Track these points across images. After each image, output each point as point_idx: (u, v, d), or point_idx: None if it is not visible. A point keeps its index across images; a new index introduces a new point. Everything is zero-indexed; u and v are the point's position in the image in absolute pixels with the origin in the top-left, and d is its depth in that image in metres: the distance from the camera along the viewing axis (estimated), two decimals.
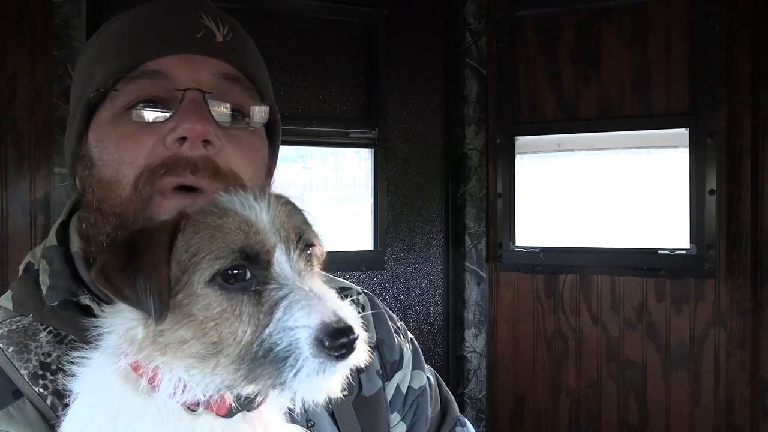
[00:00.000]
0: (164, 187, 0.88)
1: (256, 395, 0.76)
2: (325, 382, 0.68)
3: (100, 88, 0.91)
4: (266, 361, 0.67)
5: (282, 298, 0.68)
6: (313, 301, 0.67)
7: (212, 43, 0.94)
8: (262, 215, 0.75)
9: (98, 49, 0.97)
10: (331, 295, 0.70)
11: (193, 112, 0.88)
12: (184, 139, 0.88)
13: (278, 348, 0.66)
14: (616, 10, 3.48)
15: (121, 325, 0.76)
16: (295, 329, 0.66)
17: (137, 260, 0.71)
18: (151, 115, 0.90)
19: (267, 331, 0.67)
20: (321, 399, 0.70)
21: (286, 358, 0.66)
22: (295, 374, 0.66)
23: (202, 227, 0.73)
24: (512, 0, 3.66)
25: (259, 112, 0.98)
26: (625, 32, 3.46)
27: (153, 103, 0.90)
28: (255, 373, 0.68)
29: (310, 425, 0.98)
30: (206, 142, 0.89)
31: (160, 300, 0.69)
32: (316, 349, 0.65)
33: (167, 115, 0.90)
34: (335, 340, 0.65)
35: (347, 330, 0.66)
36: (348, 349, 0.66)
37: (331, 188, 3.61)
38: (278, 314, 0.67)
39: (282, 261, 0.72)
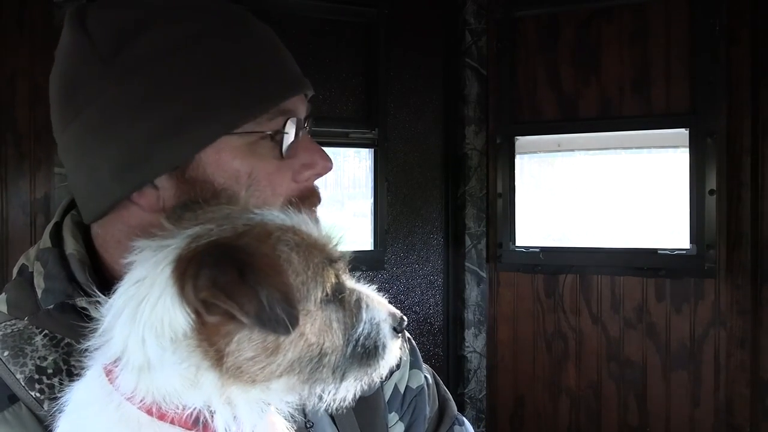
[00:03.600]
0: None
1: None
2: (395, 357, 0.83)
3: (247, 122, 0.90)
4: (360, 355, 0.78)
5: (359, 301, 0.79)
6: (375, 299, 0.81)
7: (307, 81, 0.98)
8: (322, 228, 0.79)
9: (205, 71, 0.89)
10: (373, 291, 0.83)
11: (320, 150, 0.97)
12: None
13: (373, 341, 0.78)
14: (616, 10, 3.48)
15: (170, 374, 0.69)
16: (381, 323, 0.79)
17: (251, 272, 0.66)
18: (289, 150, 0.94)
19: (359, 330, 0.77)
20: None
21: (377, 347, 0.79)
22: (383, 357, 0.79)
23: (292, 243, 0.73)
24: (512, 0, 3.66)
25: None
26: (625, 32, 3.46)
27: (283, 139, 0.93)
28: (349, 370, 0.77)
29: (308, 426, 0.98)
30: None
31: (290, 306, 0.67)
32: (392, 334, 0.81)
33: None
34: (402, 325, 0.81)
35: (402, 317, 0.83)
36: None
37: (331, 188, 3.61)
38: (366, 315, 0.78)
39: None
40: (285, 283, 0.69)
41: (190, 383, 0.69)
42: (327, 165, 0.97)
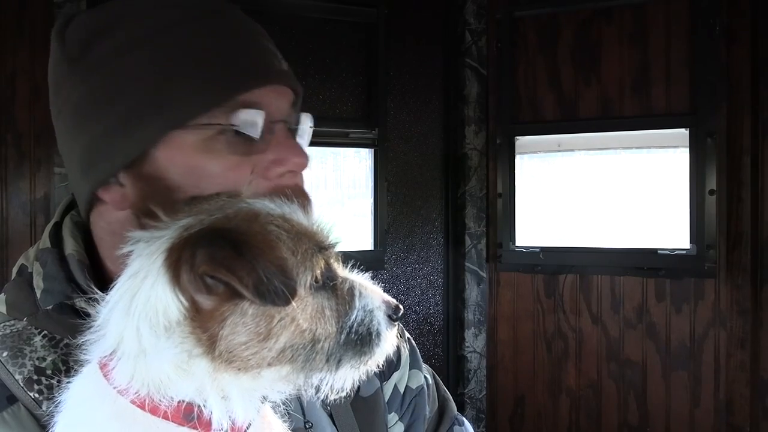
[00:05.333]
0: None
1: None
2: (390, 344, 0.82)
3: (197, 114, 0.87)
4: (355, 342, 0.77)
5: (352, 289, 0.79)
6: (369, 287, 0.81)
7: (287, 73, 0.96)
8: (313, 218, 0.80)
9: (164, 62, 0.89)
10: (368, 280, 0.83)
11: (295, 146, 0.93)
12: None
13: (367, 328, 0.78)
14: (616, 10, 3.48)
15: (164, 361, 0.70)
16: (375, 310, 0.79)
17: (247, 248, 0.68)
18: (250, 145, 0.89)
19: (352, 317, 0.77)
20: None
21: (371, 334, 0.78)
22: (378, 345, 0.79)
23: (282, 227, 0.74)
24: (512, 0, 3.66)
25: (309, 134, 1.02)
26: (625, 32, 3.46)
27: (248, 133, 0.89)
28: (344, 357, 0.77)
29: (308, 426, 0.98)
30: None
31: (287, 278, 0.68)
32: (387, 322, 0.80)
33: (263, 145, 0.91)
34: (397, 313, 0.81)
35: (398, 305, 0.82)
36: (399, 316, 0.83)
37: (331, 188, 3.61)
38: (359, 302, 0.79)
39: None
40: (279, 257, 0.70)
41: (182, 371, 0.70)
42: (299, 161, 0.93)
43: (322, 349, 0.75)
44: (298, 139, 0.97)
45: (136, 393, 0.70)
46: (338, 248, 0.81)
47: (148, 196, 0.88)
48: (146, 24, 0.90)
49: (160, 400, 0.70)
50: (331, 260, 0.79)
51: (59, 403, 0.75)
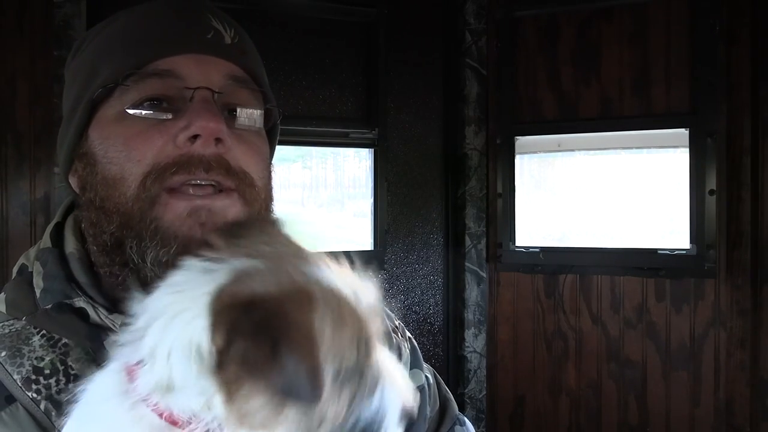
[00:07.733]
0: (174, 184, 0.87)
1: None
2: None
3: (108, 84, 0.90)
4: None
5: (377, 379, 0.74)
6: (396, 381, 0.76)
7: (222, 45, 0.94)
8: (371, 298, 0.76)
9: (102, 45, 0.95)
10: (399, 368, 0.78)
11: (206, 110, 0.87)
12: (195, 137, 0.87)
13: (376, 428, 0.74)
14: (616, 10, 3.48)
15: (188, 389, 0.69)
16: (388, 414, 0.74)
17: (285, 344, 0.64)
18: (160, 112, 0.89)
19: (365, 413, 0.73)
20: None
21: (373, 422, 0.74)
22: None
23: (331, 315, 0.71)
24: (512, 0, 3.66)
25: (266, 114, 0.99)
26: (625, 32, 3.46)
27: (160, 101, 0.90)
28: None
29: None
30: (218, 141, 0.88)
31: (315, 379, 0.65)
32: (395, 425, 0.75)
33: (175, 113, 0.89)
34: (408, 417, 0.76)
35: (412, 411, 0.77)
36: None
37: (331, 188, 3.61)
38: (378, 400, 0.74)
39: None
40: (315, 359, 0.67)
41: (204, 403, 0.69)
42: (204, 125, 0.87)
43: (325, 429, 0.72)
44: (243, 118, 0.95)
45: (156, 404, 0.70)
46: (381, 333, 0.77)
47: (84, 176, 0.93)
48: (106, 19, 0.98)
49: (180, 415, 0.69)
50: (370, 349, 0.75)
51: (77, 394, 0.74)
